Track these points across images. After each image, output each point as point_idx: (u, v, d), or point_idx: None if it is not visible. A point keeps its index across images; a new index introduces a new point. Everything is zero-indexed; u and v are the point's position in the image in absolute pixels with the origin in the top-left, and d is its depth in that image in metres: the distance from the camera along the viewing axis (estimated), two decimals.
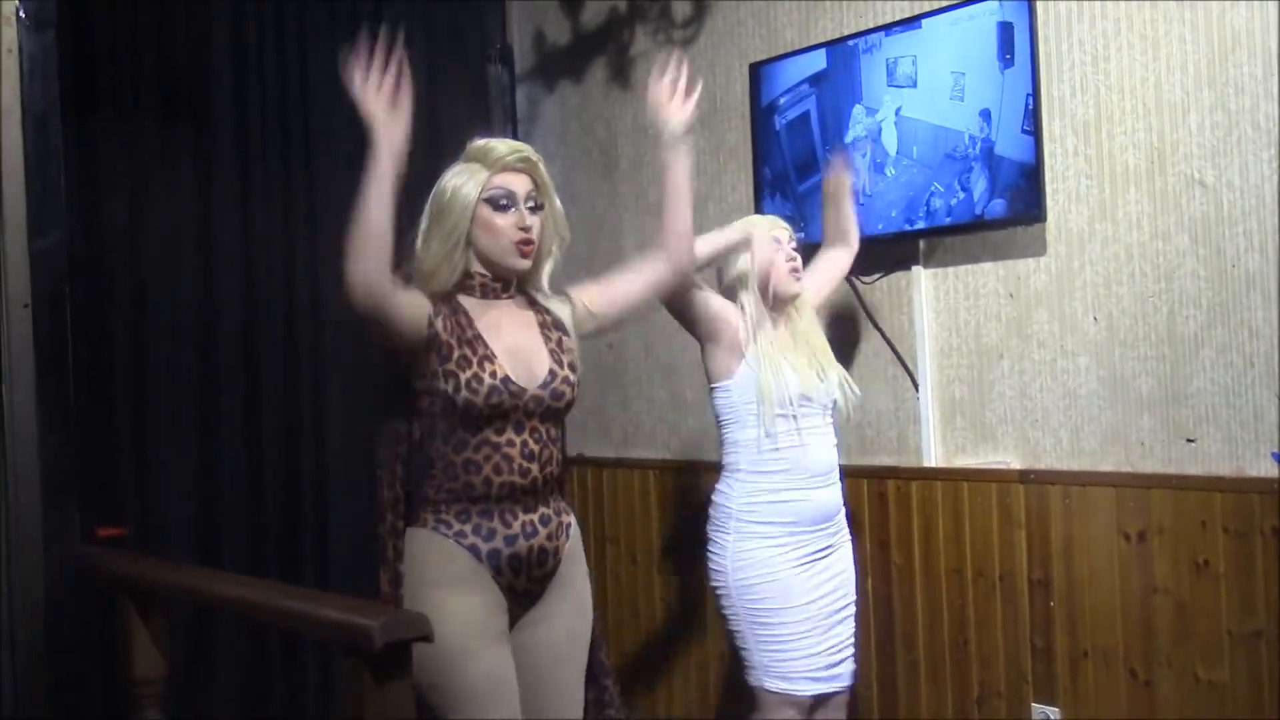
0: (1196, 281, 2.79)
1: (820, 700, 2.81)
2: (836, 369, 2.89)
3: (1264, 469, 2.69)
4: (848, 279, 3.37)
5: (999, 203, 3.01)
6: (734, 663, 3.73)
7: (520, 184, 2.28)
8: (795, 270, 2.86)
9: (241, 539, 3.55)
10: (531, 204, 2.28)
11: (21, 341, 2.79)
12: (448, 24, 4.13)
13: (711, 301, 2.79)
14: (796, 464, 2.76)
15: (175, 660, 2.96)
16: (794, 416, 2.75)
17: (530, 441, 2.26)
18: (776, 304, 2.85)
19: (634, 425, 4.05)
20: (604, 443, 4.14)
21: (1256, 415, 2.70)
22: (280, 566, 3.61)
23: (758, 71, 3.52)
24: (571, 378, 2.32)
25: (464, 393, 2.18)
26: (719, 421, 2.84)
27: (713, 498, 2.85)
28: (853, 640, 2.86)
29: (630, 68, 4.00)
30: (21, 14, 2.78)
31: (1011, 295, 3.11)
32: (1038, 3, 2.96)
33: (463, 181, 2.26)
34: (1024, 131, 2.95)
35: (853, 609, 2.88)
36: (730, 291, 2.85)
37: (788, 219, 3.39)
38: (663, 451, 3.95)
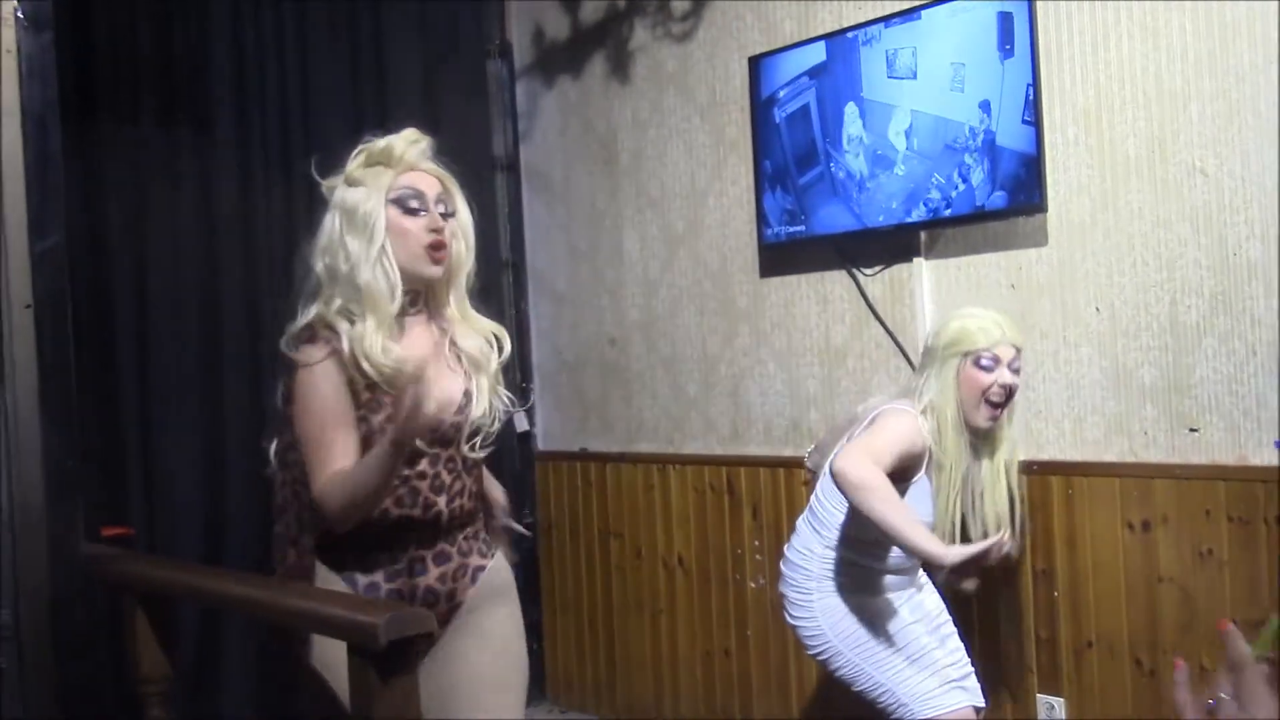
0: (1198, 270, 2.79)
1: None
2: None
3: (1267, 458, 2.68)
4: (849, 271, 3.37)
5: (1000, 194, 3.00)
6: (739, 656, 3.74)
7: (429, 185, 2.10)
8: (993, 402, 2.60)
9: (247, 537, 3.55)
10: (442, 208, 2.09)
11: (23, 342, 2.79)
12: (446, 20, 4.13)
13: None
14: None
15: (182, 659, 2.97)
16: None
17: (443, 473, 2.12)
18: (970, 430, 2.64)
19: (637, 420, 4.05)
20: (607, 438, 4.14)
21: (1259, 404, 2.70)
22: None
23: (757, 64, 3.52)
24: (495, 403, 2.15)
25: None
26: None
27: None
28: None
29: (630, 62, 4.00)
30: (20, 15, 2.78)
31: (1013, 286, 3.11)
32: None
33: (369, 184, 2.07)
34: (1024, 122, 2.95)
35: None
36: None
37: (786, 212, 3.39)
38: (665, 446, 3.95)
